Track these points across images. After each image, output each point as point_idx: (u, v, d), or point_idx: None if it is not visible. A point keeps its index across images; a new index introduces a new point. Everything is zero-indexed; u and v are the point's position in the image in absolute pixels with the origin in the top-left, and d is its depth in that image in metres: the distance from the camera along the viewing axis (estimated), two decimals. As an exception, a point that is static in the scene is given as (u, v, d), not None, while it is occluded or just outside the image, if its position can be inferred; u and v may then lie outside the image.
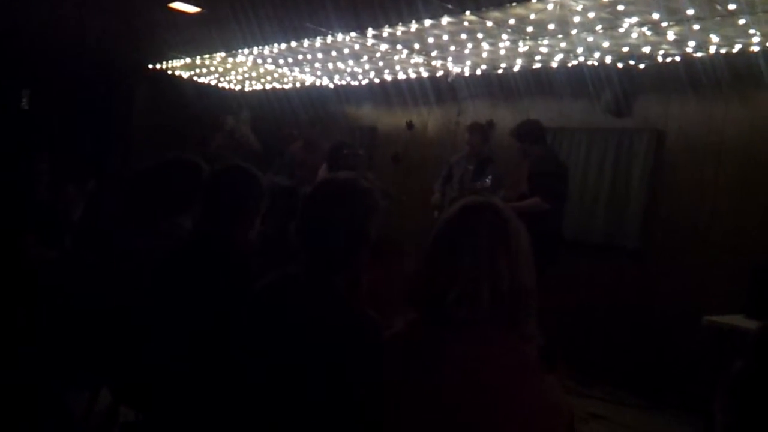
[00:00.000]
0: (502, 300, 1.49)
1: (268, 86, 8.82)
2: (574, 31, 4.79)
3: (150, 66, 8.53)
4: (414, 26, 5.23)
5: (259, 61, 7.47)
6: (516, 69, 5.98)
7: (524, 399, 1.45)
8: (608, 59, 5.37)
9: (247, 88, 9.17)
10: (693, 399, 4.57)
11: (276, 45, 6.56)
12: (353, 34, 5.73)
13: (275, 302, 1.94)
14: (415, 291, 1.63)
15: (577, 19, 4.57)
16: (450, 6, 4.77)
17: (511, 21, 4.80)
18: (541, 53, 5.51)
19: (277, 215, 3.17)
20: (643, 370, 5.30)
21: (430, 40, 5.56)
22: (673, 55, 5.06)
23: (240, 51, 7.08)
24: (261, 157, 7.36)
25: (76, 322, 2.80)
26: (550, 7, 4.51)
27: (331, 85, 8.14)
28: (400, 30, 5.39)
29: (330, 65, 7.13)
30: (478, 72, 6.39)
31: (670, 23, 4.44)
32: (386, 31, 5.49)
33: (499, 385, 1.45)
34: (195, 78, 8.90)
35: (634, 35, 4.73)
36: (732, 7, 4.05)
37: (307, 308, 1.87)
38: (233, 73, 8.42)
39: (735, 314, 4.12)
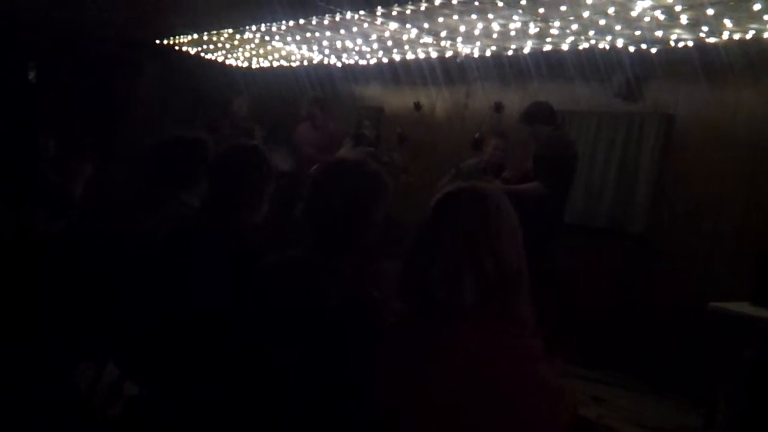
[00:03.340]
0: (488, 283, 1.46)
1: (275, 64, 8.77)
2: (586, 14, 4.74)
3: (158, 42, 8.49)
4: (424, 5, 5.17)
5: (267, 38, 7.42)
6: (526, 51, 5.92)
7: (524, 387, 1.42)
8: (620, 43, 5.31)
9: (254, 66, 9.12)
10: (696, 385, 4.58)
11: (284, 22, 6.51)
12: (362, 12, 5.68)
13: (279, 283, 1.95)
14: (401, 280, 1.61)
15: (589, 1, 4.52)
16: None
17: (523, 1, 4.75)
18: (551, 35, 5.45)
19: (277, 198, 3.16)
20: (646, 355, 5.31)
21: (440, 19, 5.50)
22: (685, 40, 5.00)
23: (248, 28, 7.03)
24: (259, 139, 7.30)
25: (82, 298, 2.81)
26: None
27: (339, 64, 8.08)
28: (409, 9, 5.33)
29: (338, 44, 7.08)
30: (488, 53, 6.33)
31: (684, 7, 4.38)
32: (395, 10, 5.43)
33: (495, 375, 1.42)
34: (202, 54, 8.86)
35: (647, 19, 4.67)
36: (747, -9, 4.01)
37: (310, 289, 1.87)
38: (240, 50, 8.37)
39: (741, 301, 4.10)
